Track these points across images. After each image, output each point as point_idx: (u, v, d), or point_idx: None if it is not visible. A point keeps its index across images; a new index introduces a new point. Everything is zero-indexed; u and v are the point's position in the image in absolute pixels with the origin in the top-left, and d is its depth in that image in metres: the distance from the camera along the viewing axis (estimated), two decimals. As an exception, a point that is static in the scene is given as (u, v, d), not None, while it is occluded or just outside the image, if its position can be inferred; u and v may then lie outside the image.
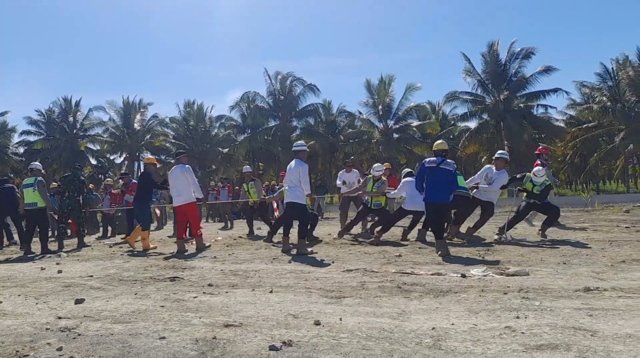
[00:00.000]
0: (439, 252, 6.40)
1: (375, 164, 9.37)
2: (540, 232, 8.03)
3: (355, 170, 10.95)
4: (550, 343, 2.63)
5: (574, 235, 8.31)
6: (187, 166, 8.24)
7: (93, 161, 40.19)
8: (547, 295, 3.88)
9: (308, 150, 8.12)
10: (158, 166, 9.88)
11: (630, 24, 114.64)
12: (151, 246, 8.61)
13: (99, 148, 39.21)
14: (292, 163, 7.46)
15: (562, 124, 35.75)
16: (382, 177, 8.92)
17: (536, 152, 10.19)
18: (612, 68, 32.71)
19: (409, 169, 9.27)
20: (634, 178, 43.07)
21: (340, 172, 11.01)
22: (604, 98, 32.26)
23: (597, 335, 2.77)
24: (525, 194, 8.11)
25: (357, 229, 9.95)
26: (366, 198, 9.01)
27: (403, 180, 8.75)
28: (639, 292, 3.88)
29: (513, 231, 8.17)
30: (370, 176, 9.03)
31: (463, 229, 8.38)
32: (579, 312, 3.29)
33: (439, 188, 6.70)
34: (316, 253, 7.09)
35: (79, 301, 4.05)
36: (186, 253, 7.58)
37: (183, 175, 8.03)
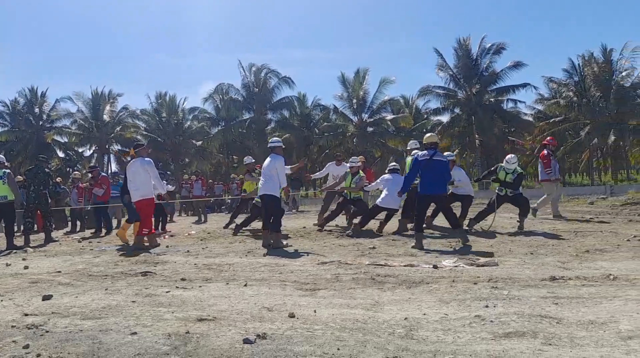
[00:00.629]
0: (414, 245, 6.50)
1: (352, 158, 9.46)
2: (518, 224, 8.25)
3: (345, 163, 10.89)
4: (517, 331, 2.72)
5: (540, 226, 8.57)
6: (148, 159, 7.82)
7: (60, 154, 38.98)
8: (515, 284, 4.00)
9: (284, 146, 8.13)
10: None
11: (595, 20, 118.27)
12: (126, 240, 8.30)
13: (66, 140, 38.00)
14: (268, 158, 7.44)
15: (530, 119, 36.64)
16: (360, 172, 8.98)
17: (544, 143, 10.30)
18: (579, 64, 33.70)
19: (395, 166, 9.11)
20: (598, 171, 44.65)
21: (329, 164, 10.92)
22: (570, 93, 33.28)
23: (562, 323, 2.87)
24: (498, 184, 8.30)
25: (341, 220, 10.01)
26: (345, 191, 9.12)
27: (384, 176, 8.81)
28: (601, 280, 4.04)
29: (484, 223, 8.37)
30: (348, 170, 9.09)
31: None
32: (545, 301, 3.40)
33: (435, 180, 6.78)
34: (291, 246, 7.11)
35: (46, 298, 3.93)
36: (154, 248, 7.37)
37: (143, 169, 7.57)
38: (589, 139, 32.00)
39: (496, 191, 8.48)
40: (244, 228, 9.39)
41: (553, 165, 9.92)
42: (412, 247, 6.46)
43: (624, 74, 31.34)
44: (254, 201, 9.48)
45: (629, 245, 6.03)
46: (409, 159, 10.04)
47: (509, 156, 8.42)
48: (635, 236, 6.67)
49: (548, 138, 10.68)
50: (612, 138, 30.25)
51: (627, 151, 36.45)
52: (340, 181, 9.33)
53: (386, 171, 9.02)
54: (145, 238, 7.73)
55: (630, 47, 30.89)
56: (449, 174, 7.12)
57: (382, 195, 8.54)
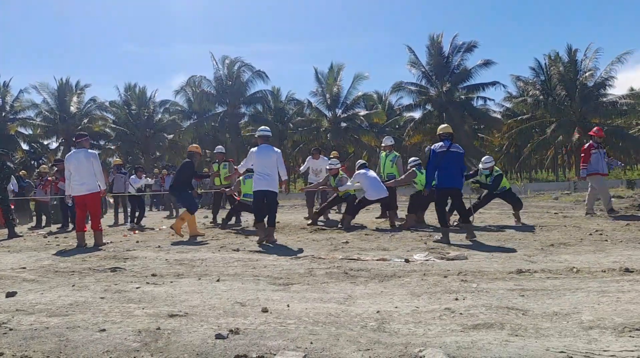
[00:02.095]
0: (440, 239, 6.40)
1: (331, 160, 9.74)
2: (515, 221, 8.35)
3: (323, 157, 11.09)
4: (485, 323, 2.79)
5: (508, 221, 8.80)
6: (93, 151, 7.56)
7: (25, 146, 37.52)
8: (483, 277, 4.11)
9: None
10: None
11: (561, 20, 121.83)
12: (200, 232, 8.02)
13: (31, 132, 36.59)
14: (263, 149, 7.10)
15: (499, 116, 37.45)
16: (340, 172, 9.26)
17: (590, 133, 9.69)
18: (545, 63, 34.62)
19: (363, 161, 9.35)
20: (562, 168, 46.11)
21: (308, 158, 11.14)
22: (537, 92, 34.15)
23: (527, 314, 2.97)
24: (478, 186, 8.53)
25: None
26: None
27: (356, 172, 8.90)
28: (565, 273, 4.19)
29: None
30: (327, 173, 9.45)
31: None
32: (512, 293, 3.51)
33: (453, 173, 6.62)
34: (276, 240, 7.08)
35: (10, 295, 3.80)
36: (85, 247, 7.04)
37: (89, 162, 7.21)
38: (555, 136, 32.96)
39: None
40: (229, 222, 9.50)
41: (595, 159, 9.13)
42: (436, 241, 6.36)
43: (587, 74, 32.38)
44: (240, 199, 9.42)
45: (591, 239, 6.26)
46: (383, 155, 10.16)
47: (484, 157, 8.60)
48: (597, 231, 6.94)
49: (595, 128, 9.79)
50: (576, 135, 31.27)
51: (590, 149, 37.70)
52: (324, 182, 9.66)
53: (356, 168, 9.12)
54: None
55: (593, 48, 32.04)
56: (464, 167, 7.05)
57: (367, 190, 8.59)
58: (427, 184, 6.93)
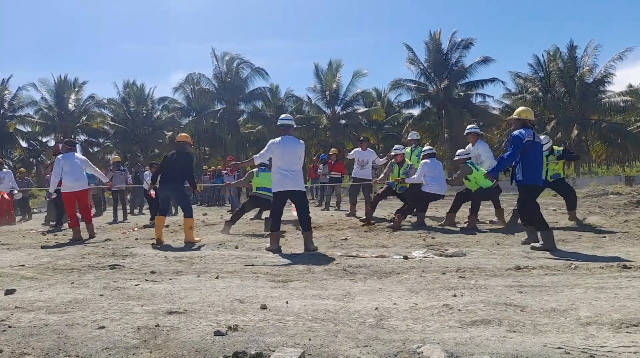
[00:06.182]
0: (542, 245, 5.36)
1: (396, 146, 8.96)
2: (570, 217, 7.78)
3: (370, 149, 10.64)
4: (484, 319, 2.80)
5: (506, 218, 8.78)
6: (84, 157, 8.38)
7: (24, 144, 37.44)
8: (482, 274, 4.12)
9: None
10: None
11: (560, 16, 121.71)
12: (196, 239, 7.03)
13: (29, 129, 36.53)
14: (287, 140, 6.03)
15: (497, 113, 37.41)
16: (407, 161, 8.65)
17: None
18: (544, 60, 34.52)
19: (430, 149, 8.38)
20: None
21: (355, 149, 10.59)
22: (536, 89, 34.11)
23: (525, 310, 2.98)
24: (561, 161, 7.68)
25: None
26: (391, 180, 8.75)
27: (422, 162, 8.06)
28: (563, 270, 4.20)
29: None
30: (392, 160, 8.77)
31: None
32: (510, 289, 3.52)
33: (538, 167, 5.64)
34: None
35: (9, 292, 3.80)
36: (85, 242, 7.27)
37: (82, 164, 8.09)
38: (554, 133, 32.95)
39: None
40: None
41: None
42: (533, 248, 5.38)
43: (586, 71, 32.25)
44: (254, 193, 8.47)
45: (589, 235, 6.28)
46: (408, 150, 9.79)
47: (542, 136, 7.97)
48: (595, 227, 6.95)
49: None
50: (575, 132, 31.28)
51: (589, 146, 37.74)
52: (387, 173, 8.94)
53: (422, 157, 8.27)
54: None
55: (593, 45, 31.99)
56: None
57: (428, 181, 7.92)
58: (494, 170, 5.87)
